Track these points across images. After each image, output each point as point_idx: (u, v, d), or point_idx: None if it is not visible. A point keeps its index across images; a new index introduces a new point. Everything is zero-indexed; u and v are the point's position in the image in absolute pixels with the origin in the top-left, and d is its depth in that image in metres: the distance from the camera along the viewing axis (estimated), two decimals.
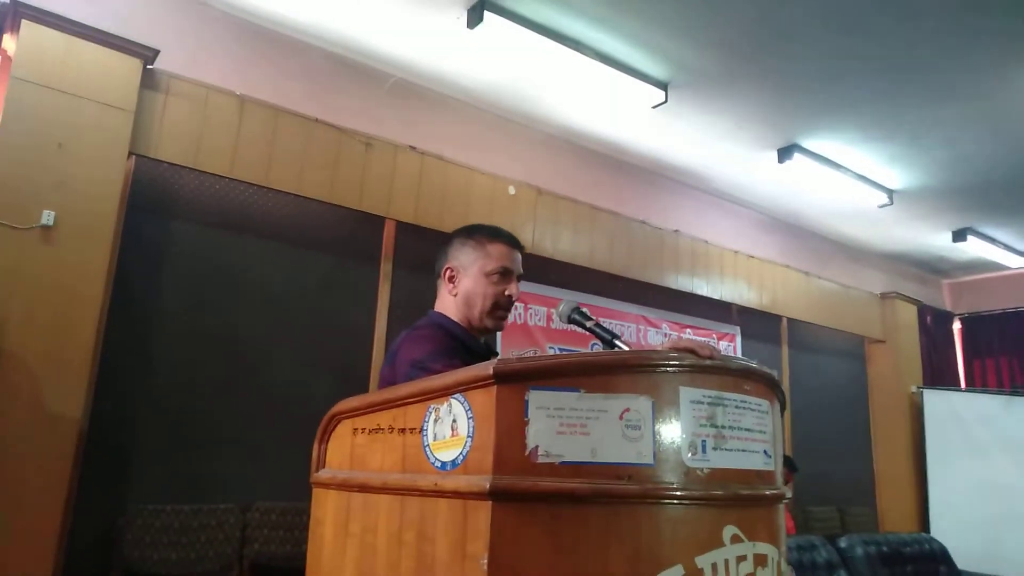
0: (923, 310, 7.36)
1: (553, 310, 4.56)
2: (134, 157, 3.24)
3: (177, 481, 3.23)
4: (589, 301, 4.79)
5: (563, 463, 1.03)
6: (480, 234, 1.75)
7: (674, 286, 5.30)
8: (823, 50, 3.74)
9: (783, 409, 1.41)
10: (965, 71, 3.87)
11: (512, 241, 1.76)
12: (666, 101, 4.14)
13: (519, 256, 1.76)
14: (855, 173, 5.18)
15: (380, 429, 1.25)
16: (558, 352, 4.60)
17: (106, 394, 3.06)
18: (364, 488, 1.25)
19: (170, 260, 3.39)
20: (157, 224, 3.38)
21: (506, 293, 1.71)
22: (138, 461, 3.17)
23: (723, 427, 1.15)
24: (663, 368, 1.13)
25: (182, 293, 3.40)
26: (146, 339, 3.28)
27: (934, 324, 7.58)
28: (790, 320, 6.21)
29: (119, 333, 3.14)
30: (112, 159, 3.08)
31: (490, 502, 1.01)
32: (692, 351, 1.16)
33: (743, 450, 1.18)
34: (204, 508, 3.22)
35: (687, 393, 1.13)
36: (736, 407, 1.18)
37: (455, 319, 1.71)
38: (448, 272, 1.74)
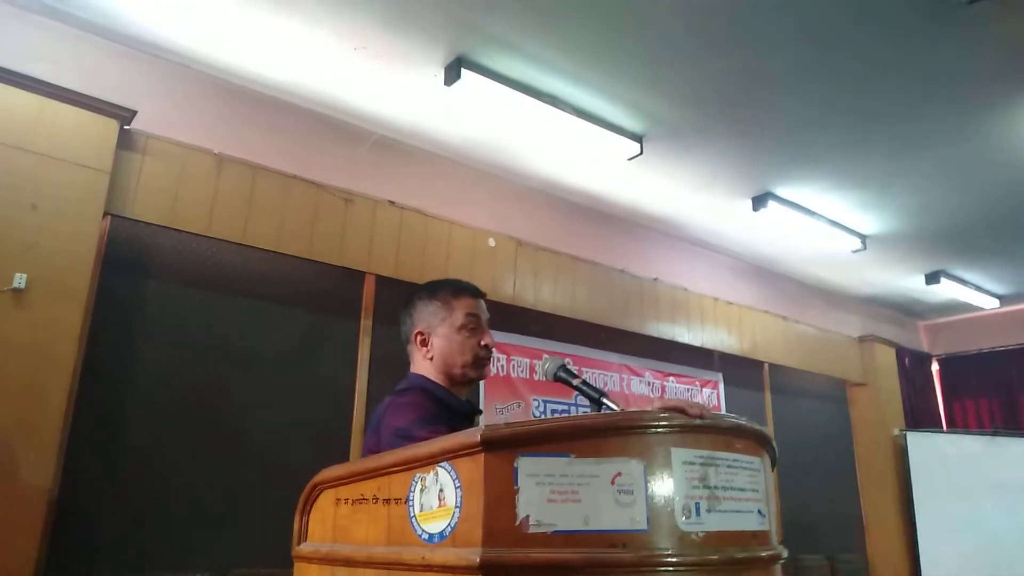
0: (901, 352, 7.42)
1: (537, 362, 4.56)
2: (109, 217, 3.20)
3: (151, 551, 3.10)
4: (572, 351, 4.77)
5: (555, 532, 1.00)
6: (442, 291, 1.76)
7: (655, 334, 5.30)
8: (793, 102, 3.84)
9: (774, 465, 1.39)
10: (928, 121, 3.98)
11: (475, 291, 1.78)
12: (641, 153, 4.20)
13: (483, 304, 1.78)
14: (828, 219, 5.27)
15: (364, 499, 1.20)
16: (542, 404, 4.56)
17: (77, 460, 2.95)
18: (348, 562, 1.20)
19: (146, 320, 3.33)
20: (133, 284, 3.32)
21: (483, 344, 1.72)
22: (110, 531, 3.05)
23: (716, 488, 1.13)
24: (654, 429, 1.11)
25: (158, 354, 3.32)
26: (120, 402, 3.19)
27: (912, 366, 7.64)
28: (771, 365, 6.22)
29: (92, 396, 3.05)
30: (87, 219, 3.04)
31: None
32: (682, 410, 1.15)
33: (737, 511, 1.15)
34: None
35: (679, 454, 1.10)
36: (728, 467, 1.16)
37: (436, 380, 1.70)
38: (419, 336, 1.74)
